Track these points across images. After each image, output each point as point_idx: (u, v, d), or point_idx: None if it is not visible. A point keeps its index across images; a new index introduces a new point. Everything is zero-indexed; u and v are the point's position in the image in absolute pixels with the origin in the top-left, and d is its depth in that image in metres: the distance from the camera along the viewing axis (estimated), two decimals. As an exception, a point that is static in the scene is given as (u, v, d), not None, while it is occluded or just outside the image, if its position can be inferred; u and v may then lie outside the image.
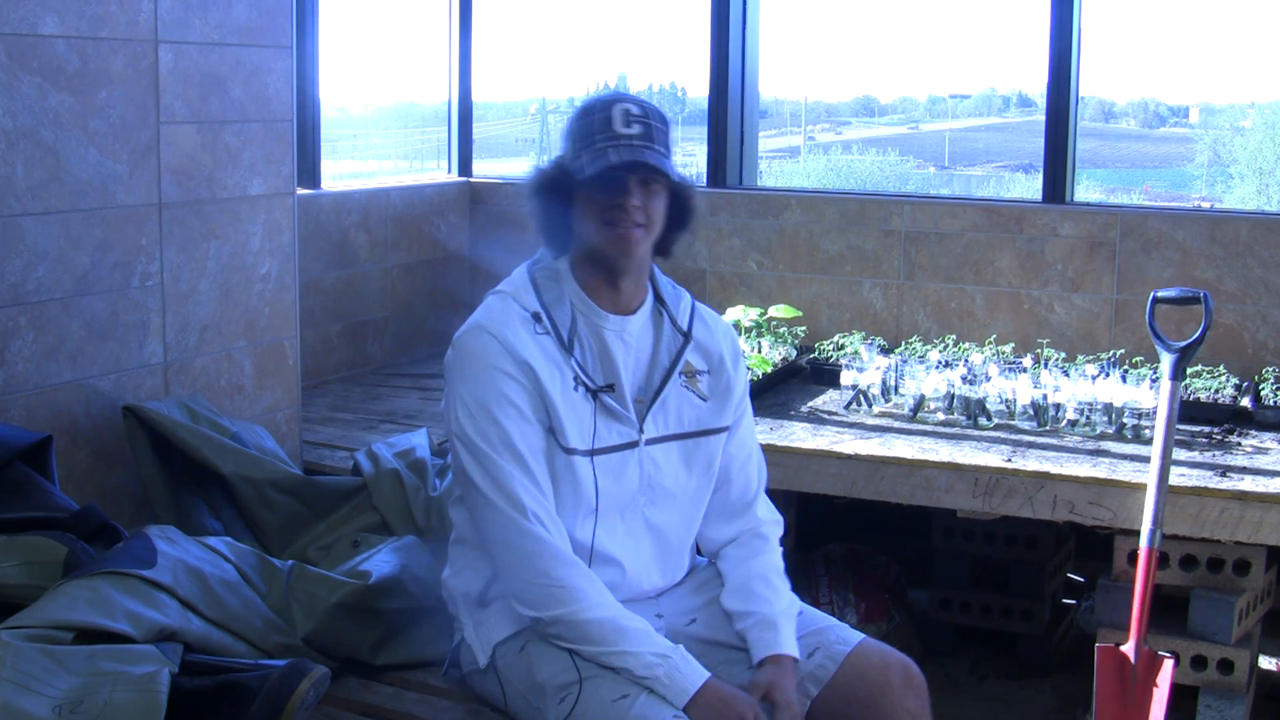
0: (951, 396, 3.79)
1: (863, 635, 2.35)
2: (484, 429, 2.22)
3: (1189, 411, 3.71)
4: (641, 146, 2.24)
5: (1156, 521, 3.07)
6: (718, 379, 2.44)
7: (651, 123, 2.27)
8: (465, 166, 5.33)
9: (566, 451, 2.27)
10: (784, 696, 2.21)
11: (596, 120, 2.26)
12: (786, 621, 2.33)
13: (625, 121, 2.24)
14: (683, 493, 2.41)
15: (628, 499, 2.34)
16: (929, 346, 4.34)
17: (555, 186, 2.29)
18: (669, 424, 2.37)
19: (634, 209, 2.25)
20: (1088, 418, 3.67)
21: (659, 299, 2.41)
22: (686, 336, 2.41)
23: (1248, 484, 3.20)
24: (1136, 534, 3.13)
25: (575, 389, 2.28)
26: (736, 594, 2.39)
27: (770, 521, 2.52)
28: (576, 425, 2.28)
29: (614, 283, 2.33)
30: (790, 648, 2.29)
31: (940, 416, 3.78)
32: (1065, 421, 3.68)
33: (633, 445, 2.33)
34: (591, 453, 2.29)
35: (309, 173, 4.53)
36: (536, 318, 2.29)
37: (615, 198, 2.25)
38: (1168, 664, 3.03)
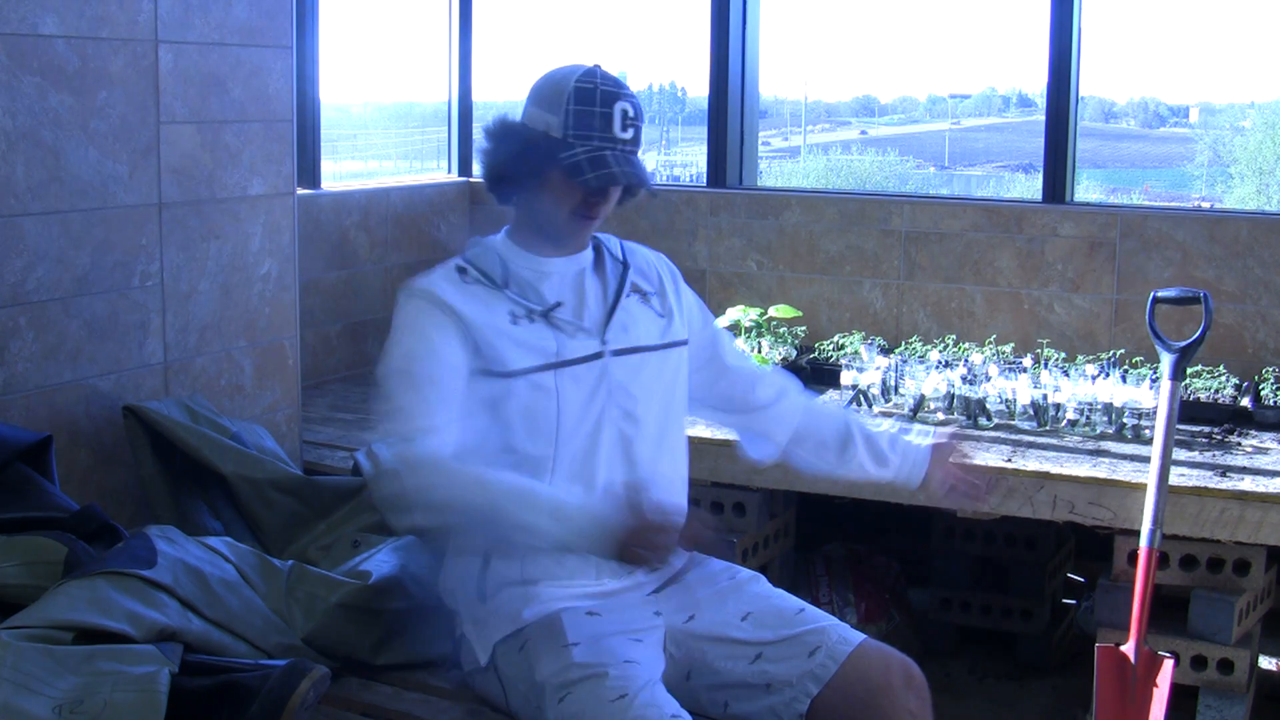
0: (951, 396, 3.79)
1: (864, 635, 2.35)
2: (395, 364, 2.27)
3: (1189, 411, 3.71)
4: (632, 154, 2.31)
5: (1156, 521, 3.07)
6: (663, 300, 2.50)
7: (639, 124, 2.33)
8: (465, 166, 5.33)
9: (508, 375, 2.28)
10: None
11: (597, 115, 2.27)
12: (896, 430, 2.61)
13: (623, 125, 2.29)
14: (660, 407, 2.43)
15: (598, 412, 2.35)
16: (929, 346, 4.34)
17: (531, 152, 2.30)
18: (636, 337, 2.42)
19: (603, 208, 2.35)
20: (1088, 418, 3.67)
21: (593, 238, 2.49)
22: (625, 264, 2.48)
23: (1248, 484, 3.20)
24: (1136, 534, 3.13)
25: (515, 322, 2.31)
26: (859, 443, 2.58)
27: (801, 389, 2.67)
28: (529, 346, 2.30)
29: (561, 241, 2.41)
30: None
31: (940, 416, 3.78)
32: (1065, 421, 3.69)
33: (597, 356, 2.36)
34: (556, 365, 2.31)
35: (309, 173, 4.53)
36: (461, 270, 2.36)
37: (594, 198, 2.32)
38: (1168, 664, 3.03)
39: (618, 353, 2.38)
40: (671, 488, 2.46)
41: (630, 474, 2.37)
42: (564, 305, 2.36)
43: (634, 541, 2.04)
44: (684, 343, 2.49)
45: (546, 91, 2.31)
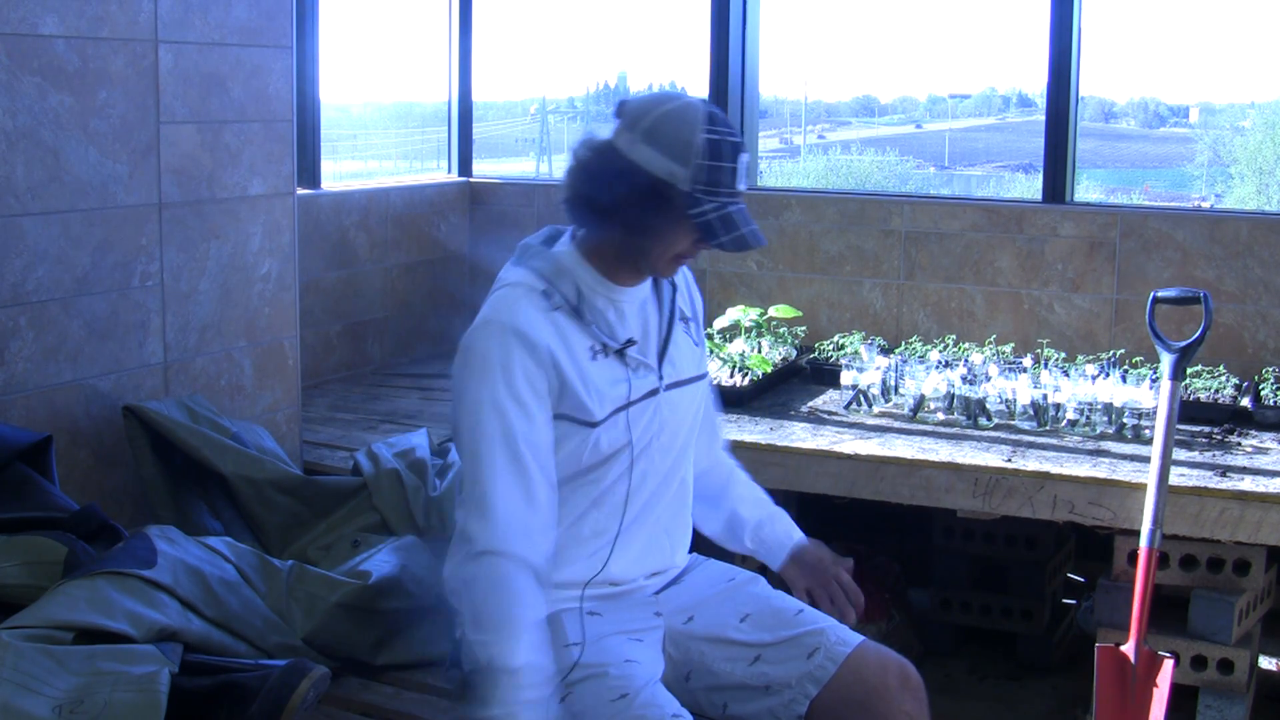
0: (951, 396, 3.79)
1: (862, 637, 2.35)
2: (490, 427, 2.18)
3: (1189, 411, 3.71)
4: (744, 205, 2.26)
5: (1156, 521, 3.07)
6: (698, 327, 2.49)
7: None
8: (465, 166, 5.33)
9: (592, 425, 2.25)
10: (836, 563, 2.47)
11: (726, 171, 2.20)
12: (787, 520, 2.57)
13: (743, 177, 2.24)
14: (687, 439, 2.43)
15: (649, 446, 2.34)
16: (929, 346, 4.34)
17: (654, 200, 2.21)
18: (680, 370, 2.40)
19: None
20: (1088, 418, 3.67)
21: None
22: (674, 285, 2.45)
23: (1248, 484, 3.20)
24: (1136, 534, 3.14)
25: (594, 358, 2.27)
26: (746, 504, 2.57)
27: (724, 445, 2.66)
28: (607, 389, 2.27)
29: (640, 271, 2.35)
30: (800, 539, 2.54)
31: (940, 416, 3.78)
32: (1065, 421, 3.69)
33: (655, 393, 2.34)
34: (627, 406, 2.29)
35: (309, 173, 4.53)
36: (546, 294, 2.26)
37: (702, 249, 2.28)
38: (1168, 664, 3.03)
39: (669, 387, 2.36)
40: (679, 520, 2.46)
41: (655, 505, 2.39)
42: (635, 343, 2.31)
43: None
44: (705, 375, 2.48)
45: (670, 138, 2.18)
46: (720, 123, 2.22)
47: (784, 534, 2.54)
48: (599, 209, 2.25)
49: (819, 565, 2.48)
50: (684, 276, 2.49)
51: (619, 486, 2.31)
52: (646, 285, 2.38)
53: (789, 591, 2.48)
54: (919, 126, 11.13)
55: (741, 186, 2.23)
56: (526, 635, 2.11)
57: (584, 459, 2.28)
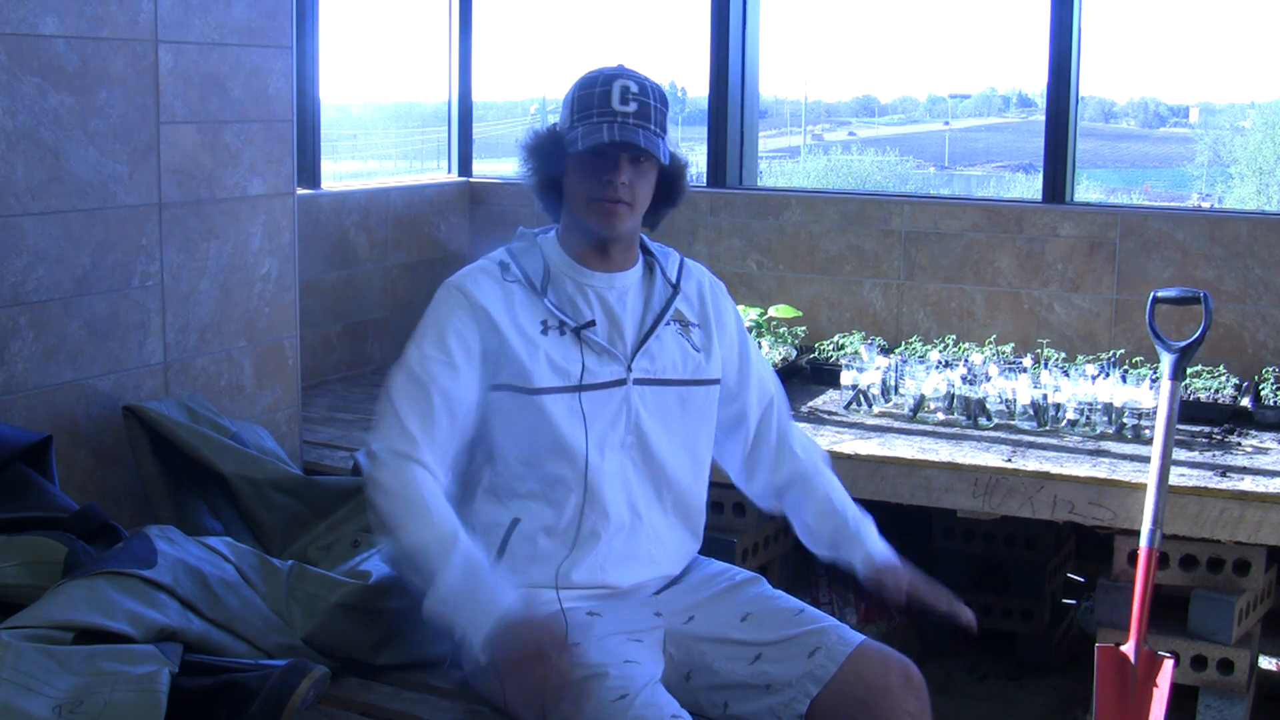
0: (951, 396, 3.79)
1: (863, 636, 2.35)
2: (412, 363, 2.28)
3: (1189, 411, 3.71)
4: (635, 125, 2.28)
5: (1156, 521, 3.07)
6: (707, 332, 2.48)
7: (649, 101, 2.31)
8: (465, 166, 5.33)
9: (532, 393, 2.27)
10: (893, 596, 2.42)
11: (596, 94, 2.30)
12: (865, 530, 2.51)
13: (623, 99, 2.29)
14: (677, 441, 2.41)
15: (618, 439, 2.34)
16: (929, 346, 4.34)
17: (549, 151, 2.33)
18: (661, 369, 2.39)
19: (620, 186, 2.30)
20: (1088, 418, 3.67)
21: (648, 254, 2.47)
22: (675, 288, 2.45)
23: (1248, 484, 3.20)
24: (1136, 534, 3.14)
25: (546, 332, 2.31)
26: (817, 534, 2.53)
27: (808, 456, 2.61)
28: (556, 364, 2.29)
29: (603, 249, 2.38)
30: (882, 555, 2.48)
31: (940, 416, 3.78)
32: (1065, 421, 3.69)
33: (621, 383, 2.34)
34: (579, 388, 2.30)
35: (309, 173, 4.53)
36: (504, 266, 2.36)
37: (604, 174, 2.29)
38: (1168, 664, 3.03)
39: (640, 382, 2.36)
40: (673, 529, 2.45)
41: (637, 507, 2.37)
42: (595, 326, 2.34)
43: (513, 648, 2.04)
44: (714, 382, 2.46)
45: (565, 96, 2.35)
46: (608, 67, 2.34)
47: (863, 555, 2.50)
48: (535, 188, 2.40)
49: (897, 587, 2.45)
50: (698, 285, 2.50)
51: (582, 477, 2.32)
52: (625, 279, 2.40)
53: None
54: (947, 123, 11.11)
55: (623, 107, 2.28)
56: (437, 511, 2.17)
57: (540, 438, 2.29)
